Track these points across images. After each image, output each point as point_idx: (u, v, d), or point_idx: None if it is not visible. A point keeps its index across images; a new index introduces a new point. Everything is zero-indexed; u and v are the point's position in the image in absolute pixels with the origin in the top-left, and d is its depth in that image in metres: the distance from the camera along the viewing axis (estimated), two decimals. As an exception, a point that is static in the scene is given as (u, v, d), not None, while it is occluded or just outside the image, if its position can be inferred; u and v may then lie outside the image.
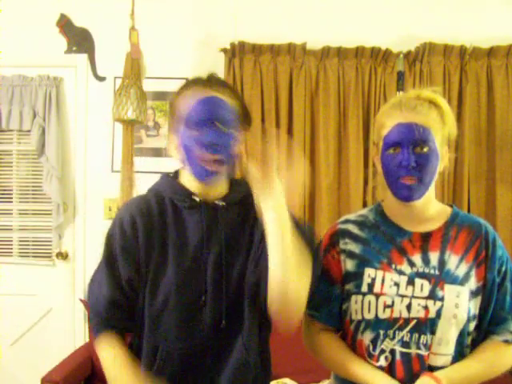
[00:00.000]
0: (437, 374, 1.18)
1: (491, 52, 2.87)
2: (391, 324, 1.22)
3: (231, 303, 1.19)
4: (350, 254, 1.30)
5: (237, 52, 2.91)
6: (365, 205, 2.86)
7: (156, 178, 1.32)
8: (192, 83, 1.22)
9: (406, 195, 1.21)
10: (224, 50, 2.93)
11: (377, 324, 1.23)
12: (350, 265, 1.29)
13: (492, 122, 2.90)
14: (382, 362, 1.22)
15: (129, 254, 1.20)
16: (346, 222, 1.35)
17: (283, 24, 3.00)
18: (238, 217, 1.25)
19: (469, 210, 2.86)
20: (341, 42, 2.90)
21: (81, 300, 2.90)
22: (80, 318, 3.06)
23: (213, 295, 1.18)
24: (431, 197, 1.28)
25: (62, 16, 3.06)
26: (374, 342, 1.24)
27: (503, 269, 1.24)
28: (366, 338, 1.25)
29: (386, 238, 1.28)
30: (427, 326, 1.20)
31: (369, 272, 1.25)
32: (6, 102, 3.04)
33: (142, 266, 1.19)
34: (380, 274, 1.24)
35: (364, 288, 1.25)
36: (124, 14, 2.82)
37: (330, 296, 1.30)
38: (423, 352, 1.20)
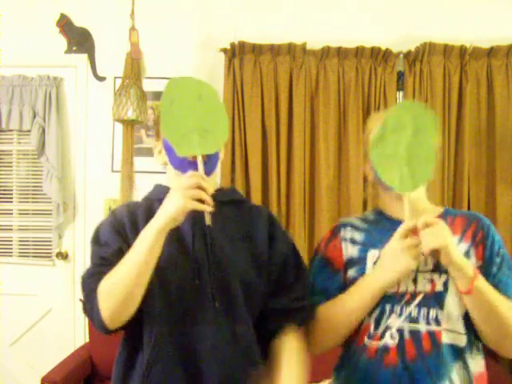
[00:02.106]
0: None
1: (491, 52, 2.87)
2: (398, 299, 1.21)
3: (224, 289, 1.20)
4: (352, 241, 1.31)
5: (237, 52, 2.91)
6: (365, 205, 2.86)
7: (156, 177, 1.33)
8: None
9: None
10: (224, 50, 2.93)
11: (383, 299, 1.22)
12: (352, 250, 1.30)
13: (492, 122, 2.90)
14: (388, 339, 1.20)
15: (118, 231, 1.22)
16: (348, 218, 1.39)
17: (283, 24, 3.00)
18: (231, 214, 1.29)
19: (469, 210, 2.86)
20: (341, 42, 2.90)
21: (81, 300, 2.90)
22: (80, 318, 3.06)
23: (205, 279, 1.19)
24: (422, 194, 1.32)
25: (62, 16, 3.06)
26: (379, 319, 1.22)
27: (501, 251, 1.25)
28: (372, 317, 1.23)
29: (386, 229, 1.28)
30: (435, 299, 1.20)
31: (373, 253, 1.26)
32: (5, 102, 3.04)
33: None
34: None
35: (369, 268, 1.25)
36: (124, 14, 2.82)
37: (331, 284, 1.30)
38: (433, 327, 1.18)
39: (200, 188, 1.12)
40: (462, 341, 1.20)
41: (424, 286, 1.21)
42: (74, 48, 3.09)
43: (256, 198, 2.84)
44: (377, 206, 1.39)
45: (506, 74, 2.89)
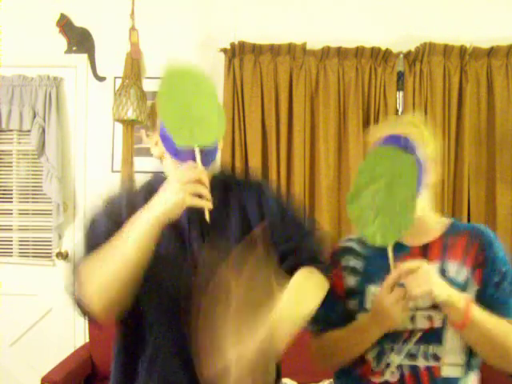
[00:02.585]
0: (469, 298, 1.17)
1: (491, 52, 2.87)
2: (396, 337, 1.21)
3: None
4: (352, 271, 1.30)
5: (237, 52, 2.91)
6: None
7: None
8: None
9: None
10: (224, 50, 2.93)
11: (382, 338, 1.21)
12: (351, 281, 1.29)
13: (492, 122, 2.90)
14: (388, 376, 1.21)
15: (111, 215, 1.18)
16: (348, 240, 1.36)
17: (283, 24, 3.00)
18: (218, 201, 1.21)
19: (469, 210, 2.86)
20: (341, 42, 2.90)
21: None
22: (80, 318, 3.03)
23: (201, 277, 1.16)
24: (426, 209, 1.28)
25: (62, 16, 3.06)
26: (379, 357, 1.23)
27: (503, 269, 1.23)
28: (372, 354, 1.24)
29: (386, 256, 1.26)
30: (434, 336, 1.19)
31: (372, 289, 1.25)
32: (5, 102, 3.04)
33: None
34: None
35: (368, 305, 1.25)
36: (124, 14, 2.82)
37: (333, 313, 1.30)
38: (432, 363, 1.19)
39: (200, 182, 1.06)
40: (461, 371, 1.20)
41: (422, 324, 1.20)
42: (74, 48, 3.09)
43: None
44: None
45: (506, 74, 2.89)
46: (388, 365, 1.22)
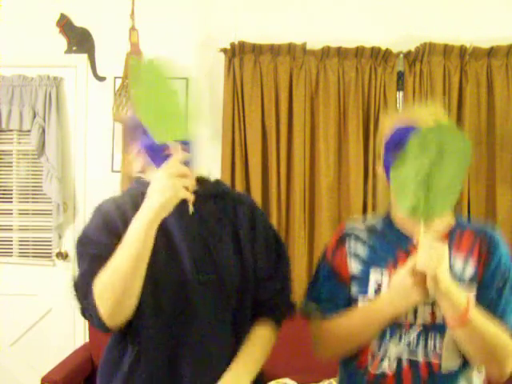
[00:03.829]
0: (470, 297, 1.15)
1: (491, 52, 2.87)
2: (396, 328, 1.20)
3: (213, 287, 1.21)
4: (356, 257, 1.29)
5: (237, 52, 2.91)
6: (365, 205, 2.86)
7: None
8: None
9: None
10: (224, 50, 2.93)
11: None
12: (355, 268, 1.28)
13: (492, 122, 2.90)
14: (385, 366, 1.20)
15: (107, 226, 1.19)
16: (353, 227, 1.35)
17: (283, 24, 2.99)
18: (214, 208, 1.27)
19: (469, 210, 2.86)
20: (341, 42, 2.89)
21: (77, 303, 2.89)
22: (80, 318, 3.04)
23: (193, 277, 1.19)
24: None
25: (62, 16, 3.05)
26: (377, 348, 1.22)
27: (506, 275, 1.21)
28: (370, 345, 1.23)
29: (391, 245, 1.26)
30: (434, 331, 1.19)
31: (375, 276, 1.24)
32: (5, 102, 3.04)
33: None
34: (386, 278, 1.23)
35: (370, 292, 1.24)
36: (124, 14, 2.82)
37: (338, 293, 1.29)
38: (432, 358, 1.18)
39: (185, 175, 1.09)
40: (462, 368, 1.20)
41: (424, 318, 1.19)
42: (74, 48, 3.09)
43: (256, 198, 2.84)
44: (389, 210, 1.33)
45: (506, 74, 2.88)
46: (385, 355, 1.21)
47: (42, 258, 3.15)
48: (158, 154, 1.18)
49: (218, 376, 1.17)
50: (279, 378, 2.51)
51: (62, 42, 3.08)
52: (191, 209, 1.12)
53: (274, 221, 2.84)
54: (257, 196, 2.86)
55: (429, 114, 1.25)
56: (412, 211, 1.16)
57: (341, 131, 2.93)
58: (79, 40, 3.08)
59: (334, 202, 2.91)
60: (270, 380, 2.51)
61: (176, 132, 1.16)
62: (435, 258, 1.08)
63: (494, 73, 2.89)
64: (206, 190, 1.28)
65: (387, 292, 1.19)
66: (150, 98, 1.17)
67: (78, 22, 3.07)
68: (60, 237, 3.10)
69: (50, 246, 3.13)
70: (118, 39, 2.87)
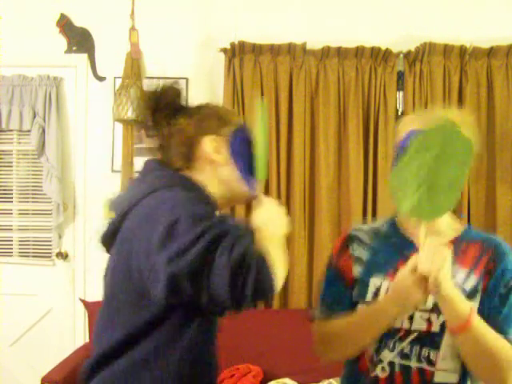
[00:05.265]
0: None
1: (491, 52, 2.87)
2: (391, 334, 1.20)
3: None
4: (358, 261, 1.29)
5: (237, 52, 2.91)
6: (365, 205, 2.87)
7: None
8: None
9: None
10: (224, 50, 2.93)
11: None
12: (356, 271, 1.28)
13: (492, 122, 2.90)
14: (379, 371, 1.21)
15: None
16: (359, 229, 1.35)
17: (283, 24, 3.00)
18: None
19: (469, 210, 2.86)
20: (341, 42, 2.90)
21: (81, 300, 2.90)
22: (80, 318, 3.06)
23: None
24: None
25: (62, 16, 3.06)
26: (373, 352, 1.22)
27: (511, 283, 1.20)
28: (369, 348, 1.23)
29: (394, 250, 1.26)
30: (429, 339, 1.18)
31: (374, 281, 1.24)
32: (5, 102, 3.03)
33: None
34: (385, 283, 1.22)
35: (369, 297, 1.24)
36: (124, 14, 2.82)
37: (343, 296, 1.29)
38: (425, 366, 1.18)
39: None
40: (456, 379, 1.19)
41: (420, 325, 1.18)
42: (74, 48, 3.09)
43: (256, 198, 2.84)
44: (395, 213, 1.32)
45: (506, 74, 2.89)
46: (380, 360, 1.21)
47: (41, 257, 3.15)
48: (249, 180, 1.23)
49: None
50: (279, 377, 2.52)
51: (62, 41, 3.08)
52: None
53: (274, 221, 2.84)
54: (257, 196, 2.86)
55: (454, 115, 1.23)
56: (412, 211, 1.15)
57: (341, 131, 2.93)
58: (79, 40, 3.08)
59: (333, 202, 2.91)
60: (270, 380, 2.51)
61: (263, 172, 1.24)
62: (437, 260, 1.06)
63: (493, 73, 2.89)
64: None
65: (389, 292, 1.18)
66: (265, 137, 1.27)
67: (77, 22, 3.07)
68: (60, 237, 3.10)
69: (50, 245, 3.13)
70: (118, 39, 2.87)
